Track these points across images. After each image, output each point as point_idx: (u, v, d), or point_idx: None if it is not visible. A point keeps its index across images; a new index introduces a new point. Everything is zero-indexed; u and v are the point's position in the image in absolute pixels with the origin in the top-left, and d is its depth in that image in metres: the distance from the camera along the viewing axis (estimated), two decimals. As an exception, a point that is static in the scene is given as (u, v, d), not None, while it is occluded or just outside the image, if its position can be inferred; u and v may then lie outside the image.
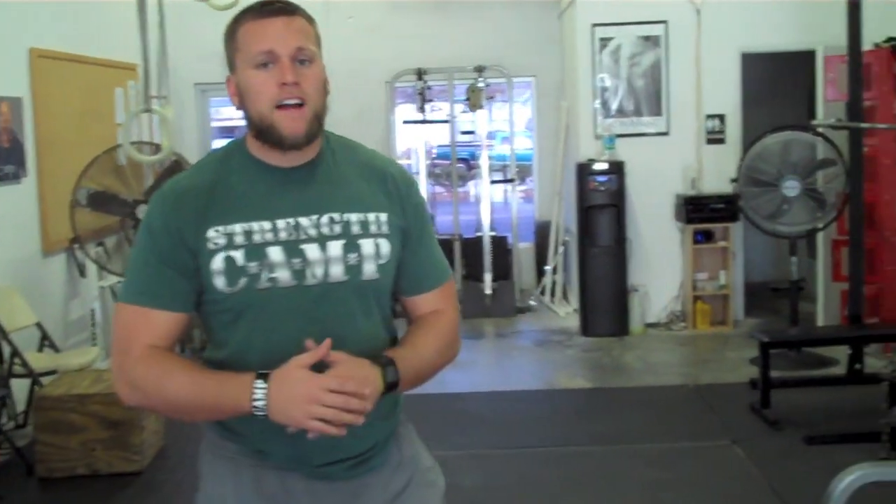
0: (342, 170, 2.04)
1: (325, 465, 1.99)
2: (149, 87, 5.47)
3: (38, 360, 5.81)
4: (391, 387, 1.91)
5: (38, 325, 6.08)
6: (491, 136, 11.29)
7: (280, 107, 1.90)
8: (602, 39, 8.19)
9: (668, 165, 8.22)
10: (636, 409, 6.10)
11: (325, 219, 1.96)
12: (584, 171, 8.05)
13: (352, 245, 1.97)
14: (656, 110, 8.24)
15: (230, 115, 14.68)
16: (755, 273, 9.65)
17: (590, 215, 8.10)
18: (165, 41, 5.80)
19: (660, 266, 8.32)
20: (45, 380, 5.63)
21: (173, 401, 1.89)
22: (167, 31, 8.83)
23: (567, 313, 8.93)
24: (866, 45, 7.07)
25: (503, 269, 9.21)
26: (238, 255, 1.91)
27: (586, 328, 8.15)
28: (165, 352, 1.92)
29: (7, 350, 5.62)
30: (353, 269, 1.97)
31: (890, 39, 6.90)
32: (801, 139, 6.97)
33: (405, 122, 9.78)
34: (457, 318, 2.16)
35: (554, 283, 9.38)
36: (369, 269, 1.98)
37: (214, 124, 12.66)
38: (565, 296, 9.33)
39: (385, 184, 2.06)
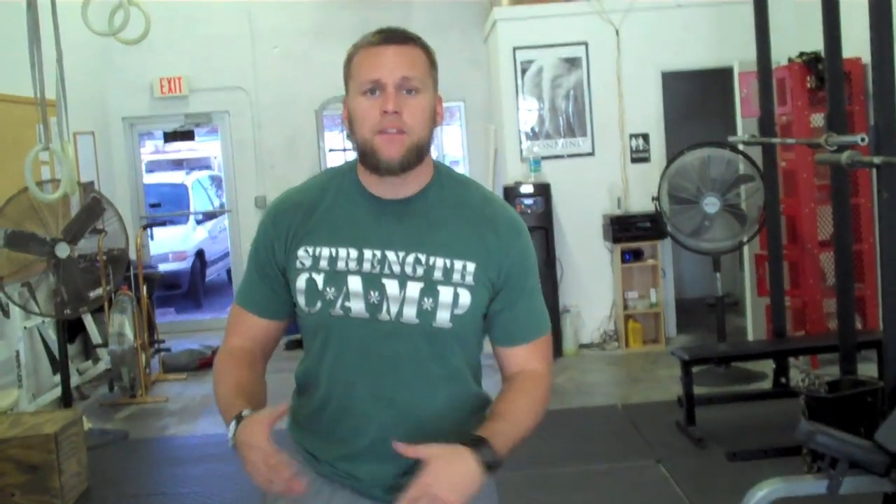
0: (443, 210, 2.02)
1: (370, 486, 2.03)
2: (48, 125, 5.43)
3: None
4: (490, 466, 1.85)
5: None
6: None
7: (381, 132, 1.93)
8: (524, 62, 8.22)
9: (594, 186, 8.26)
10: (562, 432, 6.05)
11: (410, 258, 1.97)
12: (510, 194, 8.07)
13: (430, 290, 1.96)
14: (581, 131, 8.28)
15: (160, 148, 14.62)
16: (691, 289, 9.72)
17: (519, 238, 8.08)
18: (63, 77, 5.75)
19: (591, 286, 8.33)
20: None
21: (216, 400, 2.07)
22: (93, 66, 8.90)
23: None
24: (782, 60, 7.17)
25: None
26: (319, 279, 1.98)
27: (519, 351, 8.11)
28: (240, 358, 2.07)
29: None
30: (426, 315, 1.96)
31: (803, 54, 6.98)
32: (719, 156, 7.02)
33: (331, 150, 9.74)
34: (549, 376, 2.11)
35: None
36: (442, 318, 1.97)
37: (146, 158, 12.63)
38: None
39: (486, 232, 2.02)
